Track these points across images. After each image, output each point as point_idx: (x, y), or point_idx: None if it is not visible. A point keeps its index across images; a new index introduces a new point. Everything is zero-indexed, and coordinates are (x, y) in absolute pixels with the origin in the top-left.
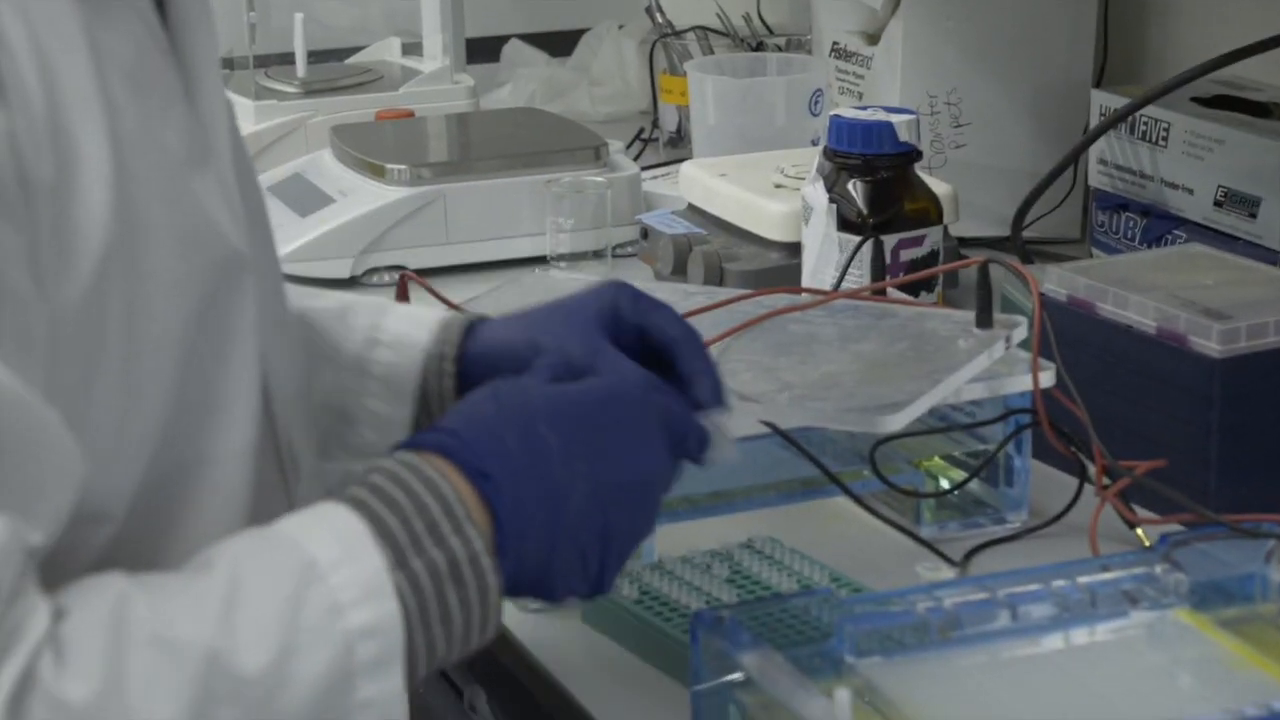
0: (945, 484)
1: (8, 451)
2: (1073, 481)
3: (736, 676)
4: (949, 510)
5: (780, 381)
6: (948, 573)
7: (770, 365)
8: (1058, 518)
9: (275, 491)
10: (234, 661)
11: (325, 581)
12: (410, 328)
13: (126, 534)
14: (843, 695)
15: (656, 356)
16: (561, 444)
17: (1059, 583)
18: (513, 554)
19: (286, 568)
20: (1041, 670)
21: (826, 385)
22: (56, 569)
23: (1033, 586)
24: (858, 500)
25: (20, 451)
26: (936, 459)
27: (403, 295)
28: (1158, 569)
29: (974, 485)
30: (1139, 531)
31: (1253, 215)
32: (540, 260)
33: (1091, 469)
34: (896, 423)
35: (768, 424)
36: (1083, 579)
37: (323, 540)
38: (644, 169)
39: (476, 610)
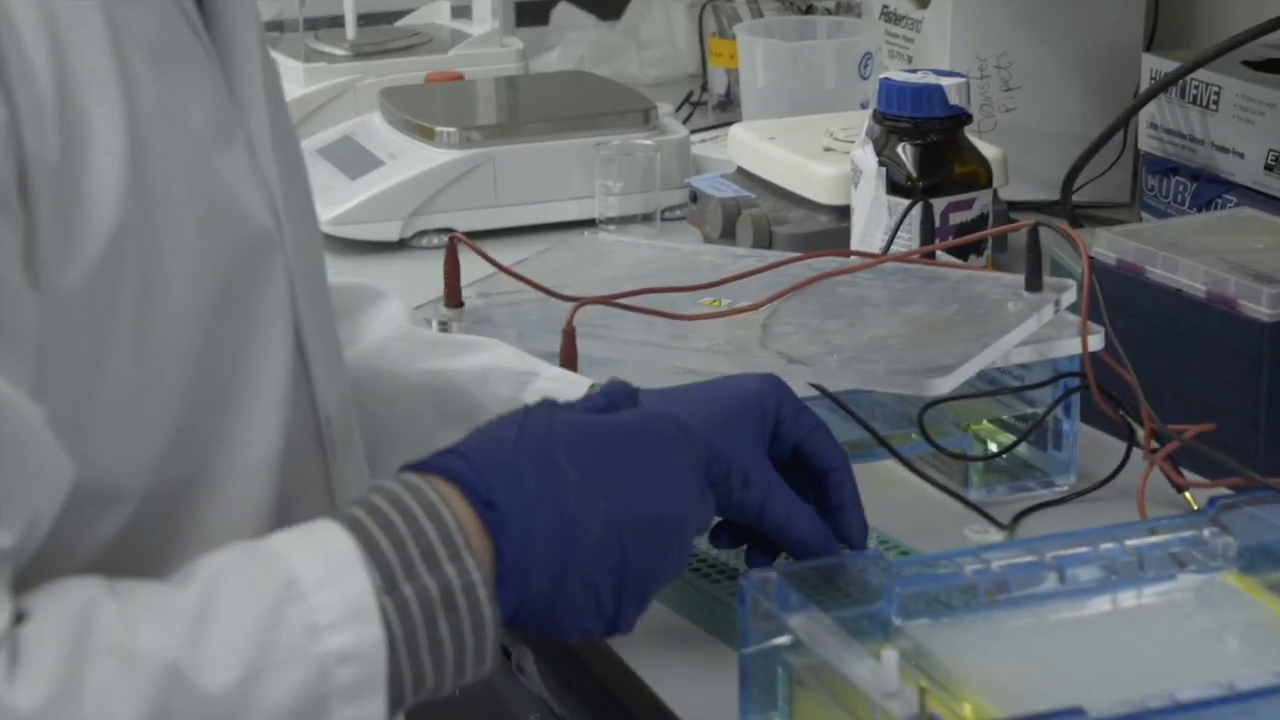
0: (994, 447)
1: None
2: (1121, 445)
3: (784, 639)
4: (997, 474)
5: (829, 344)
6: (995, 536)
7: (819, 328)
8: (1106, 481)
9: (312, 468)
10: (197, 677)
11: (305, 601)
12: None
13: (146, 518)
14: (890, 656)
15: (806, 473)
16: (580, 475)
17: (1106, 545)
18: (515, 587)
19: (265, 584)
20: (1088, 633)
21: (875, 348)
22: (65, 554)
23: (1080, 549)
24: (906, 463)
25: None
26: (985, 422)
27: (452, 258)
28: (1205, 532)
29: (1022, 449)
30: (1187, 495)
31: None
32: (589, 223)
33: (1140, 433)
34: (945, 386)
35: (817, 386)
36: (1130, 542)
37: (308, 558)
38: (693, 132)
39: (470, 641)
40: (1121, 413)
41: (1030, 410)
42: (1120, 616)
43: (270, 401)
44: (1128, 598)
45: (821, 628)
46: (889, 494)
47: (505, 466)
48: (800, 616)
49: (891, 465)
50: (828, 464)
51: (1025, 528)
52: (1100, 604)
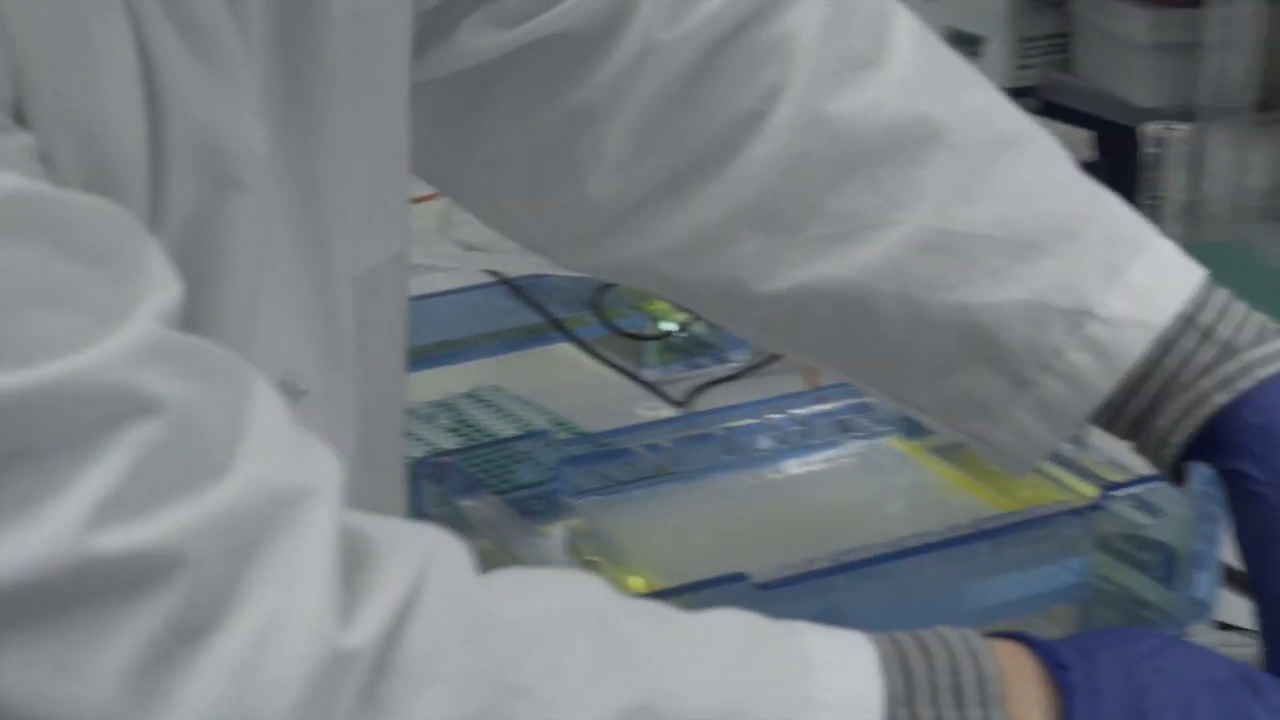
0: (668, 326)
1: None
2: None
3: (457, 521)
4: (673, 352)
5: None
6: (669, 413)
7: None
8: (779, 355)
9: None
10: (680, 691)
11: (809, 672)
12: (1100, 368)
13: None
14: (558, 533)
15: None
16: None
17: (774, 416)
18: None
19: (770, 639)
20: (758, 501)
21: None
22: None
23: (749, 421)
24: (581, 345)
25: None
26: (661, 303)
27: None
28: (870, 399)
29: (697, 326)
30: None
31: None
32: None
33: None
34: None
35: (492, 272)
36: (798, 411)
37: (823, 639)
38: None
39: None
40: None
41: None
42: (789, 484)
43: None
44: (796, 465)
45: (493, 509)
46: (565, 377)
47: (1078, 650)
48: (472, 499)
49: (568, 348)
50: None
51: (700, 404)
52: (770, 473)
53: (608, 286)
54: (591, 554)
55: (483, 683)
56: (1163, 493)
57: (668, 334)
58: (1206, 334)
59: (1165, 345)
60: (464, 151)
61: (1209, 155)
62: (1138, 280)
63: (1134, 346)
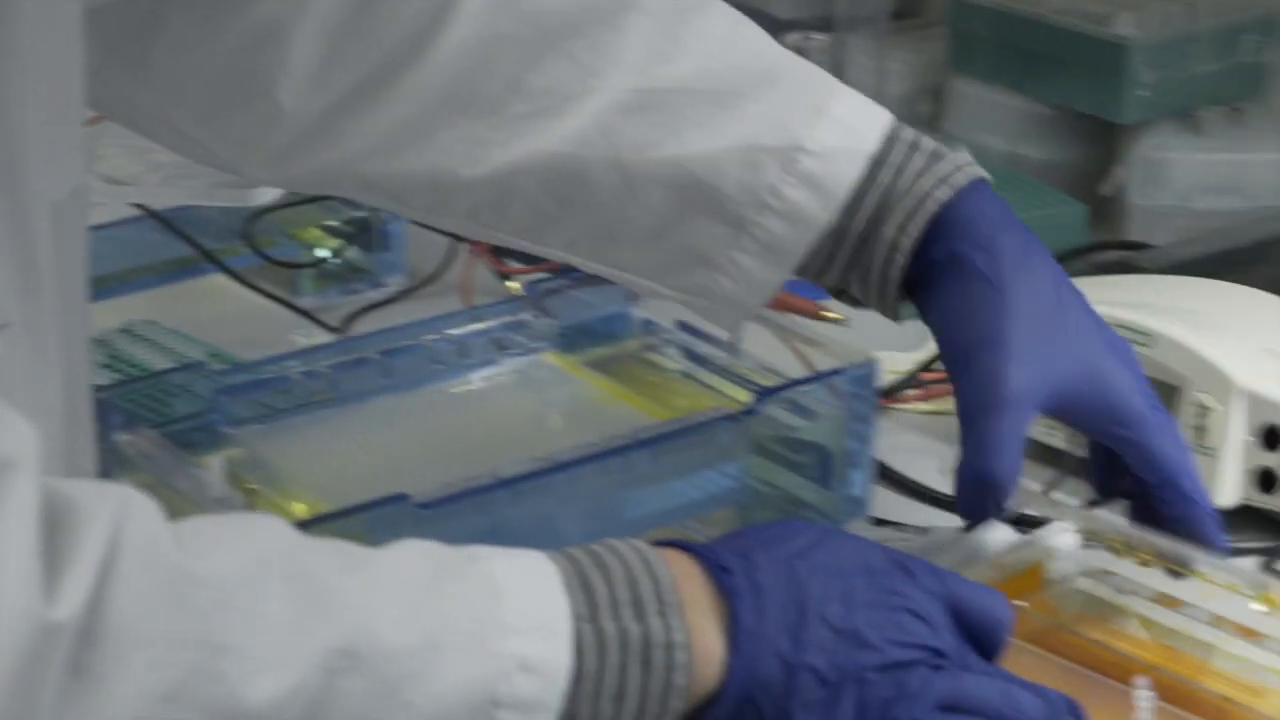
0: (323, 253)
1: None
2: (447, 242)
3: (115, 457)
4: (328, 279)
5: (150, 163)
6: (326, 339)
7: (142, 146)
8: (433, 278)
9: None
10: (379, 628)
11: (499, 599)
12: (817, 199)
13: None
14: (215, 463)
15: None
16: (813, 580)
17: (430, 337)
18: (748, 656)
19: (458, 568)
20: (417, 421)
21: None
22: None
23: (406, 343)
24: (235, 276)
25: None
26: (314, 229)
27: None
28: (527, 316)
29: (353, 253)
30: (511, 283)
31: None
32: None
33: None
34: (268, 195)
35: (140, 206)
36: (453, 331)
37: (509, 565)
38: None
39: (653, 705)
40: None
41: (358, 214)
42: (448, 403)
43: None
44: (455, 385)
45: (150, 443)
46: (219, 308)
47: (738, 552)
48: (128, 434)
49: (221, 279)
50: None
51: (357, 329)
52: (427, 394)
53: (258, 216)
54: (252, 482)
55: (188, 643)
56: (814, 395)
57: (322, 261)
58: (914, 145)
59: (877, 164)
60: (138, 79)
61: (848, 64)
62: (840, 114)
63: (847, 174)
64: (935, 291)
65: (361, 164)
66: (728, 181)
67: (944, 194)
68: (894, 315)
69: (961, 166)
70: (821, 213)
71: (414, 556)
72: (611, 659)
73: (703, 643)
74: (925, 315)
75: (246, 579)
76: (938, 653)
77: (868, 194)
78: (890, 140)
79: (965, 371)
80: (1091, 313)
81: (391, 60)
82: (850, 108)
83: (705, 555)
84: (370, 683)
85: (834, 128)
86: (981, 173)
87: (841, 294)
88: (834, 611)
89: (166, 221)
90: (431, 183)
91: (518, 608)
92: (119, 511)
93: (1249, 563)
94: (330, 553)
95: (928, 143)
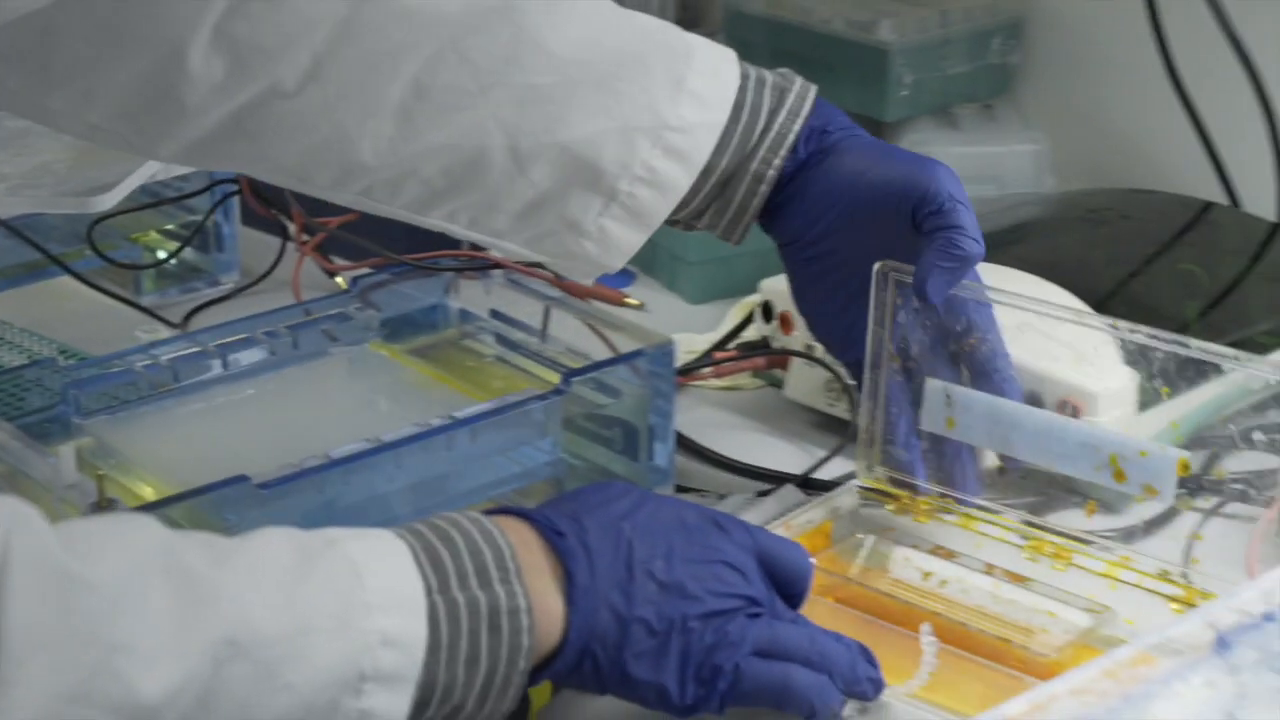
0: (161, 255)
1: None
2: (278, 241)
3: None
4: (167, 279)
5: None
6: (168, 334)
7: None
8: (265, 275)
9: None
10: (251, 616)
11: (360, 579)
12: (680, 168)
13: None
14: (66, 451)
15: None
16: (637, 536)
17: (264, 330)
18: (585, 612)
19: (319, 550)
20: (254, 408)
21: (40, 173)
22: None
23: (241, 336)
24: (79, 277)
25: None
26: (152, 233)
27: None
28: (353, 308)
29: (189, 254)
30: (338, 279)
31: None
32: None
33: (292, 228)
34: (108, 201)
35: None
36: (286, 324)
37: (363, 545)
38: None
39: (503, 667)
40: (273, 211)
41: (193, 218)
42: (282, 391)
43: None
44: (287, 374)
45: (4, 434)
46: (66, 308)
47: (569, 516)
48: None
49: (67, 281)
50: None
51: (196, 324)
52: (263, 383)
53: (99, 221)
54: (103, 469)
55: (83, 645)
56: (618, 375)
57: (161, 262)
58: (760, 81)
59: (736, 107)
60: (45, 86)
61: None
62: (697, 87)
63: (706, 143)
64: (812, 185)
65: (271, 152)
66: (606, 159)
67: (796, 125)
68: (739, 240)
69: (804, 95)
70: (684, 178)
71: (277, 543)
72: (463, 627)
73: (543, 604)
74: (782, 225)
75: (131, 579)
76: (753, 600)
77: (733, 138)
78: (741, 90)
79: (909, 193)
80: None
81: (296, 71)
82: (706, 77)
83: (539, 521)
84: (253, 668)
85: (692, 101)
86: (814, 88)
87: (676, 224)
88: (658, 566)
89: (13, 229)
90: (337, 167)
91: (377, 586)
92: (7, 520)
93: (1015, 515)
94: (201, 546)
95: (769, 75)
